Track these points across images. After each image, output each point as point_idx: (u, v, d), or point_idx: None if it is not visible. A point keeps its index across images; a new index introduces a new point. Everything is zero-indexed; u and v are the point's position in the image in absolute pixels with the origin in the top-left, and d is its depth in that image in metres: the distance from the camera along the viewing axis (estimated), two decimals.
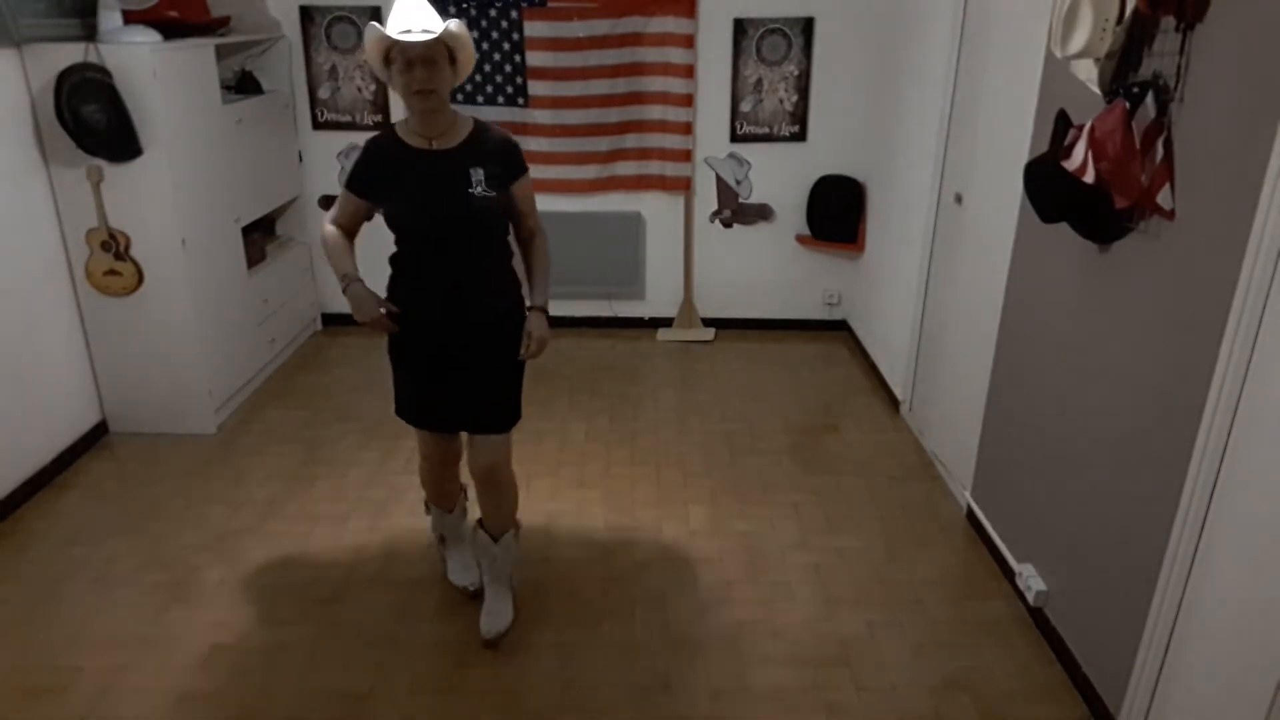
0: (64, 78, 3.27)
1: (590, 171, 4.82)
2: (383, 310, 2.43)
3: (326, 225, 2.49)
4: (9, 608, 2.81)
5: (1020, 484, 2.87)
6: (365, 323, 2.42)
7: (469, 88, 4.65)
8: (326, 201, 4.96)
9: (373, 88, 4.74)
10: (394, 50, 2.28)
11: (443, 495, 2.87)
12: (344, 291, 2.42)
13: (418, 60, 2.27)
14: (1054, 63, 2.58)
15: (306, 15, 4.62)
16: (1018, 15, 2.95)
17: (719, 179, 4.90)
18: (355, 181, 2.46)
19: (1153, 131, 2.08)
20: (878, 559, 3.07)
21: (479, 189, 2.40)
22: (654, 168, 4.84)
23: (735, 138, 4.82)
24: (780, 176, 4.88)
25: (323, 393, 4.36)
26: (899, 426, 4.03)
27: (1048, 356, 2.68)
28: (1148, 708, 2.17)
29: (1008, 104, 3.00)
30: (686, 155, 4.80)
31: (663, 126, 4.75)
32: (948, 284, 3.60)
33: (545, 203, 4.64)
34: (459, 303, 2.48)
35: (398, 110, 4.74)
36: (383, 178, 2.42)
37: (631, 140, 4.78)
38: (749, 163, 4.87)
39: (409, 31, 2.24)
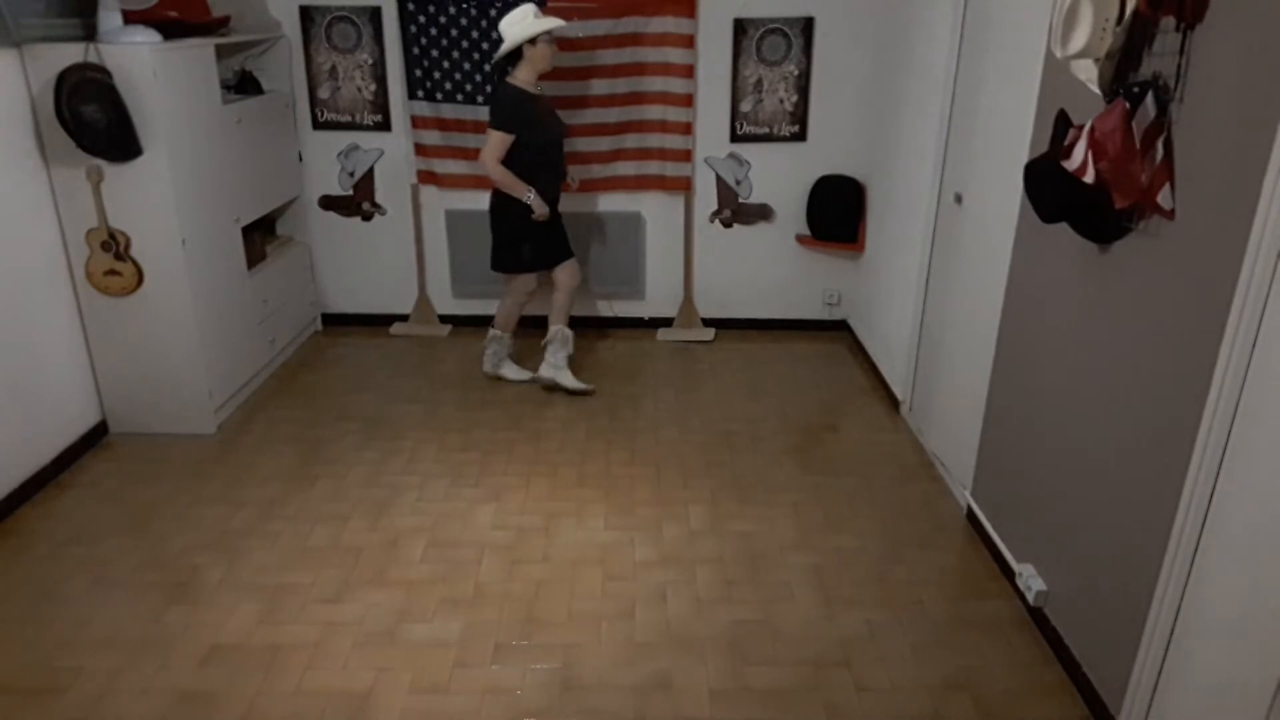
0: (64, 78, 3.27)
1: (590, 171, 4.82)
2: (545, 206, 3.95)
3: (496, 163, 3.81)
4: (9, 608, 2.81)
5: (1020, 484, 2.87)
6: (539, 216, 3.92)
7: (469, 87, 4.65)
8: (326, 201, 4.96)
9: (373, 87, 4.74)
10: (546, 34, 3.78)
11: (515, 324, 4.40)
12: (529, 199, 3.87)
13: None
14: (1054, 63, 2.58)
15: (306, 15, 4.62)
16: (1018, 15, 2.96)
17: (719, 179, 4.90)
18: (511, 123, 3.78)
19: (1153, 131, 2.08)
20: (877, 559, 3.07)
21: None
22: (654, 168, 4.84)
23: (735, 138, 4.82)
24: (780, 176, 4.88)
25: (323, 393, 4.36)
26: (899, 426, 4.03)
27: (1048, 356, 2.68)
28: (1148, 708, 2.17)
29: (1008, 104, 3.00)
30: (686, 155, 4.80)
31: (663, 126, 4.75)
32: (948, 284, 3.60)
33: None
34: (559, 181, 4.13)
35: (398, 110, 4.75)
36: (526, 115, 3.79)
37: (631, 140, 4.78)
38: (749, 163, 4.87)
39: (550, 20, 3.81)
